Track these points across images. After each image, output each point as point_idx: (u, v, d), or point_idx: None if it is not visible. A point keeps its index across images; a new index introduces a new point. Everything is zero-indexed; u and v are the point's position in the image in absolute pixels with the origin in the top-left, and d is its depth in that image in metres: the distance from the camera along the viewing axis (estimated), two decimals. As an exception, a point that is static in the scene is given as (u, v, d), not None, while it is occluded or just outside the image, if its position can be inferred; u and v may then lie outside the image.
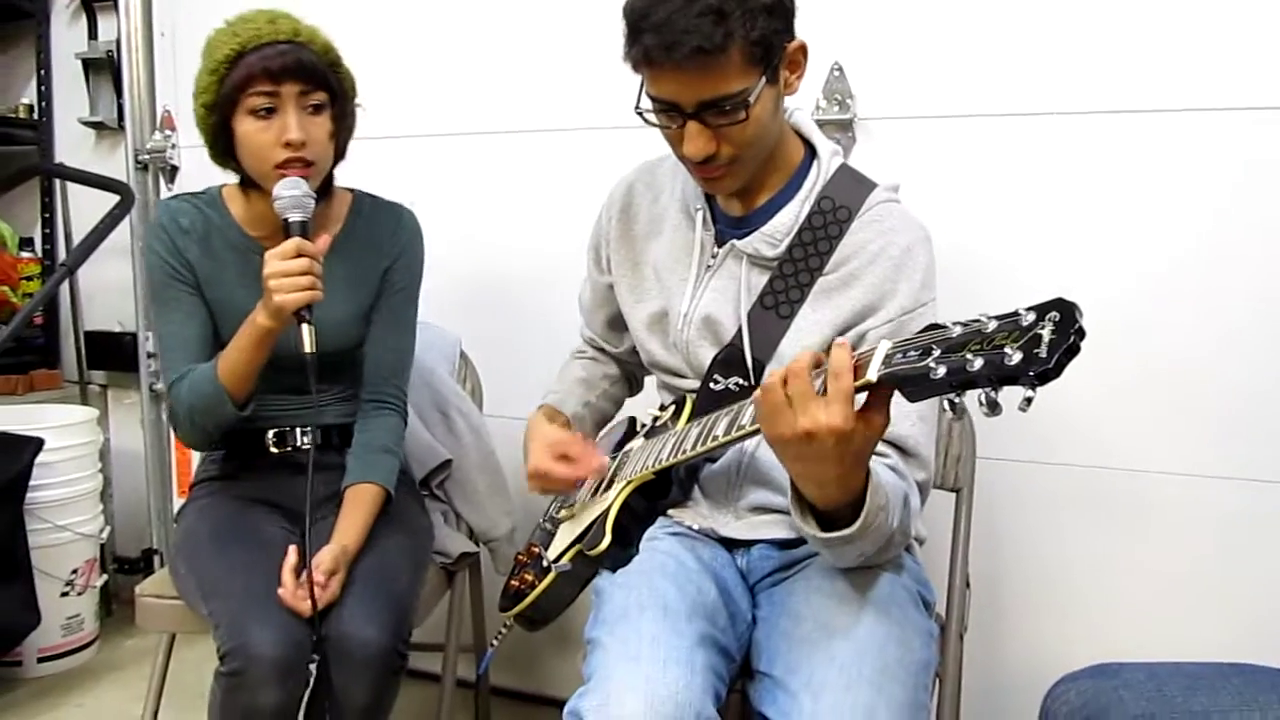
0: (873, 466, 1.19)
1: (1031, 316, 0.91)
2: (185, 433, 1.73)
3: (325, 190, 1.75)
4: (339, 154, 1.73)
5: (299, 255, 1.53)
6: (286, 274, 1.51)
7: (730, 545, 1.52)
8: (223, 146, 1.66)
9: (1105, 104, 1.83)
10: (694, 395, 1.50)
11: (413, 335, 1.87)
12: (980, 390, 0.93)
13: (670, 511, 1.55)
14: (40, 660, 2.59)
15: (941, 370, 0.95)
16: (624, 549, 1.43)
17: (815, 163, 1.47)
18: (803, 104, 1.48)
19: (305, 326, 1.54)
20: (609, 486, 1.51)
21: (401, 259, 1.82)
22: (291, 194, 1.57)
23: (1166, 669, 1.13)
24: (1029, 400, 0.89)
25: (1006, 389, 0.92)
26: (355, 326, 1.79)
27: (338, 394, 1.83)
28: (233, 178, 1.75)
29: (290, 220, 1.57)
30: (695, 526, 1.52)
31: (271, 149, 1.60)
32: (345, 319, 1.76)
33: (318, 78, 1.62)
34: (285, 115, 1.60)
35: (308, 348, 1.53)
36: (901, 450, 1.36)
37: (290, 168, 1.60)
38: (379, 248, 1.81)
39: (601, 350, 1.78)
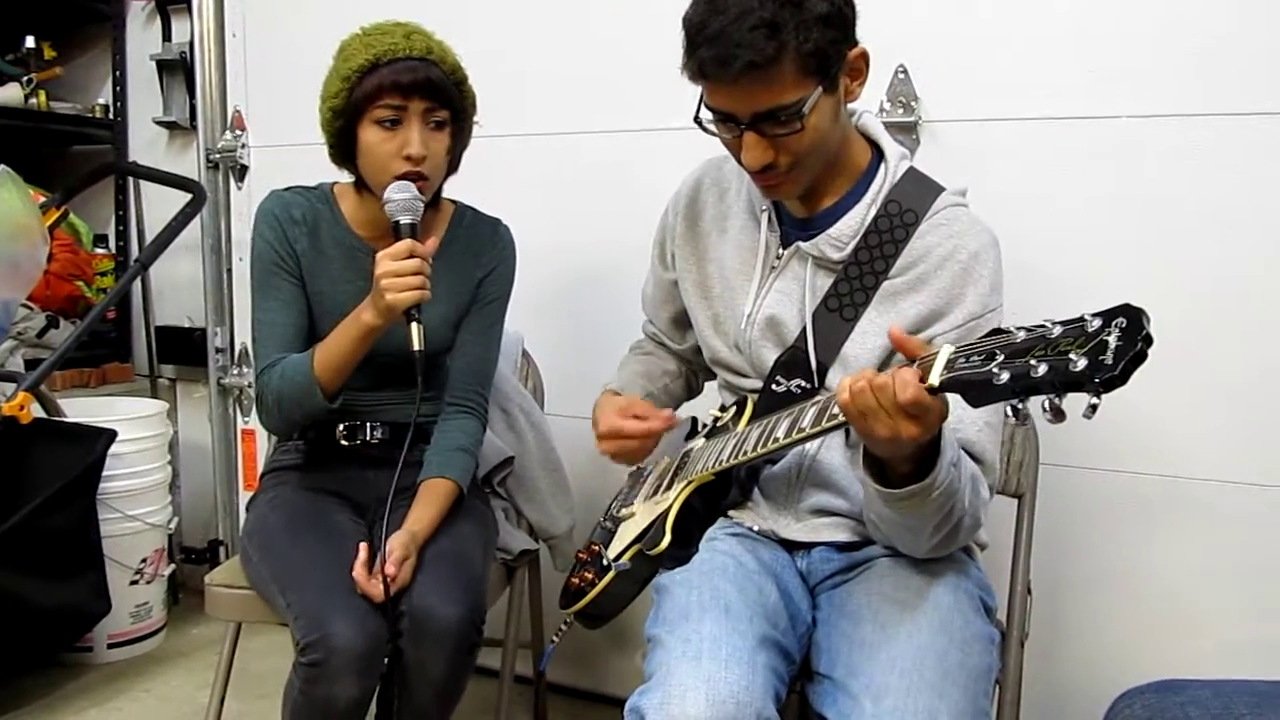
0: (943, 430, 1.20)
1: (1097, 322, 0.90)
2: (270, 419, 1.76)
3: (434, 200, 1.79)
4: (452, 167, 1.77)
5: (410, 256, 1.56)
6: (399, 274, 1.55)
7: (790, 547, 1.52)
8: (344, 149, 1.71)
9: (1174, 107, 1.80)
10: (755, 396, 1.50)
11: (498, 345, 1.91)
12: (1044, 397, 0.92)
13: (730, 512, 1.55)
14: (110, 646, 2.65)
15: (1005, 376, 0.95)
16: (684, 549, 1.44)
17: (883, 166, 1.46)
18: (867, 107, 1.47)
19: (414, 325, 1.58)
20: (669, 486, 1.52)
21: (495, 271, 1.86)
22: (402, 197, 1.60)
23: (1234, 686, 1.10)
24: (1094, 408, 0.88)
25: (1071, 395, 0.91)
26: (445, 332, 1.82)
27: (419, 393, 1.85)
28: (346, 176, 1.79)
29: (401, 222, 1.60)
30: (755, 528, 1.52)
31: (392, 160, 1.64)
32: (437, 324, 1.78)
33: (444, 96, 1.66)
34: (409, 129, 1.64)
35: (416, 345, 1.57)
36: (969, 455, 1.35)
37: (407, 179, 1.64)
38: (476, 258, 1.84)
39: (663, 345, 1.79)
